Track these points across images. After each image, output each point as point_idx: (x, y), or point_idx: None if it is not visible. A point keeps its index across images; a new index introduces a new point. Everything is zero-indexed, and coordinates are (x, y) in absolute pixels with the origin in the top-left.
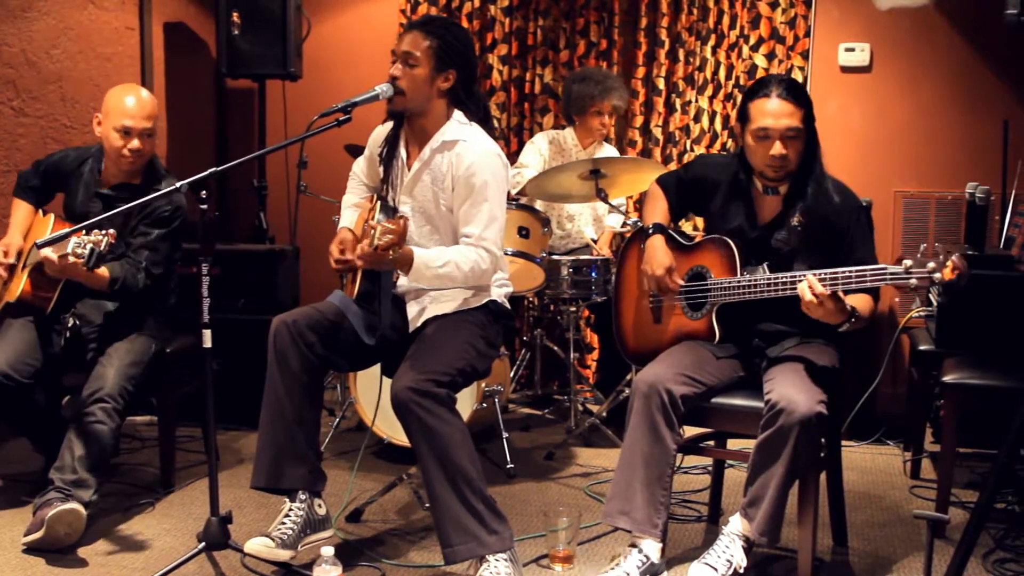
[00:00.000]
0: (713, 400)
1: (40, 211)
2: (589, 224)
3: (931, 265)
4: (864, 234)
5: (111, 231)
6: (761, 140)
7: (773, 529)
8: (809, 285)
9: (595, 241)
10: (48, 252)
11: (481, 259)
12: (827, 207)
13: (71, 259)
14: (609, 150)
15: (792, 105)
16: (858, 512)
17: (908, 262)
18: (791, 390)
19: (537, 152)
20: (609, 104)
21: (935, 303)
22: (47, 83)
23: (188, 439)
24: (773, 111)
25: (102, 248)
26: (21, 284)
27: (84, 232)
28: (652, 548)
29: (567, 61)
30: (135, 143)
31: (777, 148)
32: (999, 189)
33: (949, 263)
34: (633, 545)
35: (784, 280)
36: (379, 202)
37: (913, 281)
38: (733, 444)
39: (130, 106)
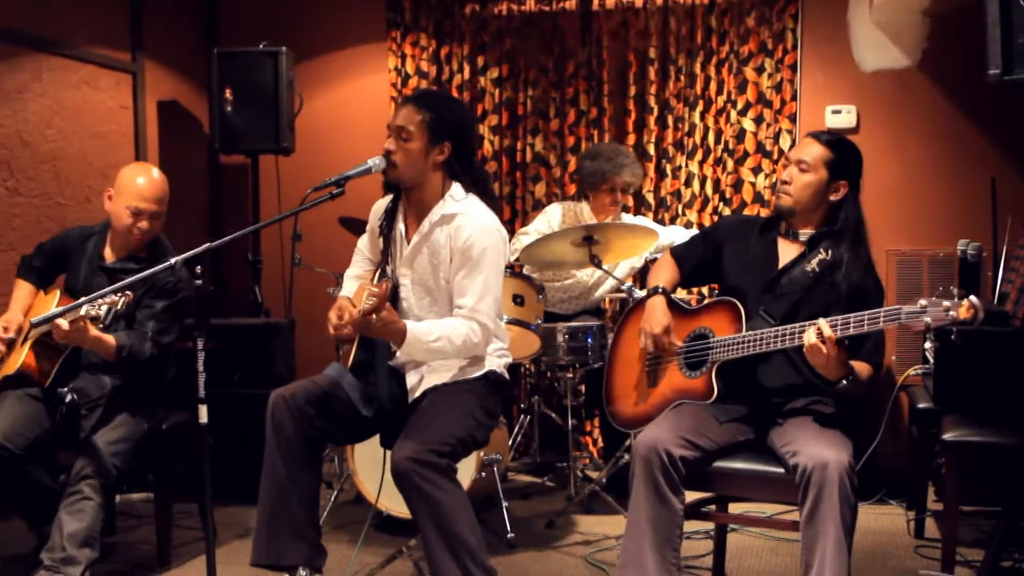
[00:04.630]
0: (715, 464)
1: (42, 292)
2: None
3: (946, 304)
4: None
5: (128, 292)
6: (784, 168)
7: None
8: (818, 329)
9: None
10: (60, 321)
11: (473, 332)
12: (850, 273)
13: (83, 322)
14: (627, 219)
15: (820, 146)
16: (863, 574)
17: (923, 301)
18: (816, 449)
19: (547, 223)
20: (621, 180)
21: (931, 360)
22: (41, 162)
23: (185, 515)
24: (800, 143)
25: (119, 307)
26: (22, 357)
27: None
28: None
29: (557, 130)
30: (144, 224)
31: (786, 173)
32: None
33: (965, 302)
34: None
35: (792, 330)
36: (378, 272)
37: (928, 319)
38: (735, 508)
39: (143, 188)
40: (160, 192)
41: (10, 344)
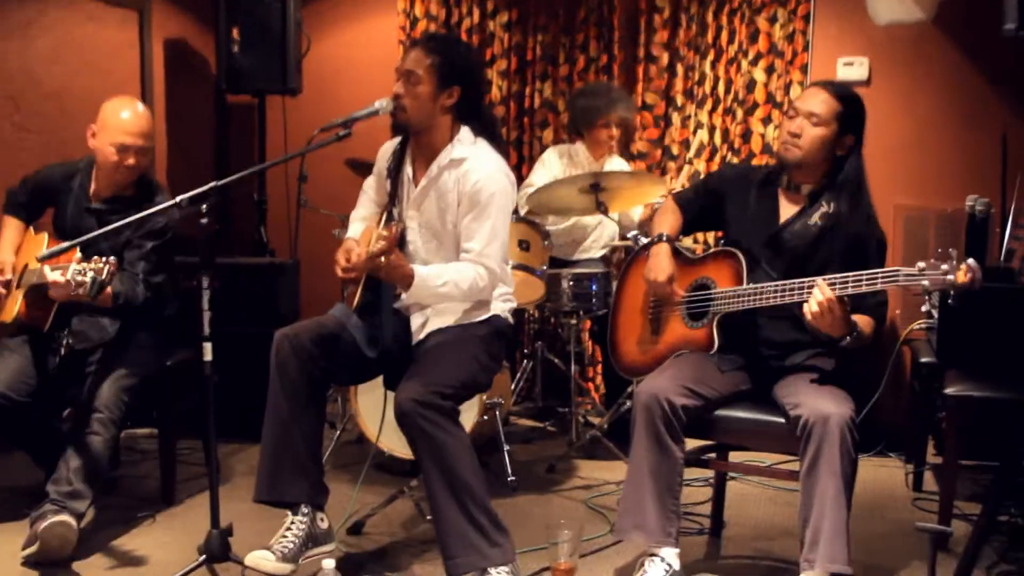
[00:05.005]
0: (716, 412)
1: (32, 229)
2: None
3: (944, 267)
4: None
5: (112, 259)
6: (789, 118)
7: (844, 552)
8: (820, 290)
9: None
10: (56, 276)
11: (480, 276)
12: (850, 224)
13: (82, 288)
14: (618, 163)
15: (830, 96)
16: (860, 525)
17: (921, 264)
18: (818, 402)
19: (548, 171)
20: (616, 115)
21: (935, 316)
22: (47, 99)
23: (189, 452)
24: (808, 93)
25: (103, 277)
26: (17, 304)
27: (82, 258)
28: (671, 555)
29: (567, 76)
30: (131, 160)
31: (795, 124)
32: (999, 202)
33: (963, 266)
34: (653, 553)
35: (792, 286)
36: (384, 215)
37: (926, 282)
38: (735, 456)
39: (127, 123)
40: (146, 126)
41: (5, 286)
